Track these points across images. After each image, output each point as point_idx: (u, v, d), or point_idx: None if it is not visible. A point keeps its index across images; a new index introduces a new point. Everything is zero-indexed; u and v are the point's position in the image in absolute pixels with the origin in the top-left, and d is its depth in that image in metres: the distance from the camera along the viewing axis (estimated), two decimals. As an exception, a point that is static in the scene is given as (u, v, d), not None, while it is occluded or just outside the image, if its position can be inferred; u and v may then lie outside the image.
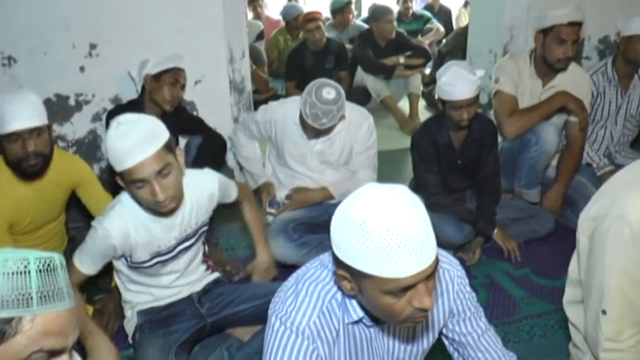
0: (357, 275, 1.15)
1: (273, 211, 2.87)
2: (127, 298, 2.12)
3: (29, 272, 0.87)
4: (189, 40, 3.09)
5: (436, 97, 2.77)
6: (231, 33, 3.19)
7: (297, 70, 5.07)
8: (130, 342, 2.13)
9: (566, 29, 2.88)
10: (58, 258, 0.93)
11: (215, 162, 2.78)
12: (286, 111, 2.81)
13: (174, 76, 2.80)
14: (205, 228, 2.15)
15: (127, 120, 1.71)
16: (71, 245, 2.70)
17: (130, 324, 2.12)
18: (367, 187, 1.16)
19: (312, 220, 2.81)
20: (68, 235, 2.76)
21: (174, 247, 2.03)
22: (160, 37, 3.04)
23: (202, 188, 2.05)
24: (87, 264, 1.95)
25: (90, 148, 3.14)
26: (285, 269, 2.47)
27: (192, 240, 2.09)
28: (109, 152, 1.71)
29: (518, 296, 2.62)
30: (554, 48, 2.93)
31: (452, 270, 1.43)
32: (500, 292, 2.67)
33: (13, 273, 0.86)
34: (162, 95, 2.79)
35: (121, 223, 1.89)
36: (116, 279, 2.15)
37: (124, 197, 1.93)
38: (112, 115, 2.81)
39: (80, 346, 1.74)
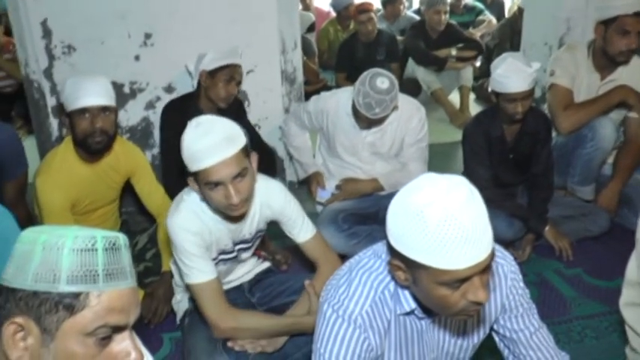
0: (412, 266, 1.15)
1: (322, 200, 2.88)
2: (180, 283, 2.15)
3: (96, 250, 0.90)
4: (242, 31, 3.12)
5: (489, 89, 2.72)
6: (284, 24, 3.21)
7: (348, 61, 5.07)
8: (178, 323, 2.17)
9: (631, 20, 2.79)
10: (122, 238, 0.95)
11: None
12: (339, 101, 2.81)
13: (230, 73, 2.77)
14: (263, 233, 2.14)
15: (206, 120, 1.70)
16: (123, 229, 2.78)
17: (180, 306, 2.15)
18: (425, 177, 1.15)
19: (362, 211, 2.82)
20: (121, 219, 2.84)
21: (234, 248, 2.03)
22: (214, 27, 3.07)
23: (269, 199, 2.00)
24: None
25: (143, 135, 3.21)
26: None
27: (250, 243, 2.09)
28: (185, 151, 1.70)
29: (569, 296, 2.56)
30: (617, 40, 2.84)
31: (506, 265, 1.41)
32: (551, 291, 2.61)
33: (82, 250, 0.89)
34: (216, 92, 2.77)
35: (193, 221, 1.86)
36: (170, 264, 2.18)
37: (188, 197, 1.89)
38: (168, 108, 2.87)
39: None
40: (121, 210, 2.82)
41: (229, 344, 1.88)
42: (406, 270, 1.18)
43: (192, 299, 2.09)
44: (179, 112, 2.75)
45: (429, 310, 1.31)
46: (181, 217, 1.85)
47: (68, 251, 0.88)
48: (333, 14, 6.31)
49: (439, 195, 1.09)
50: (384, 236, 2.71)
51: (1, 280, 0.87)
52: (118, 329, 0.93)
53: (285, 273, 2.31)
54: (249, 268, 2.22)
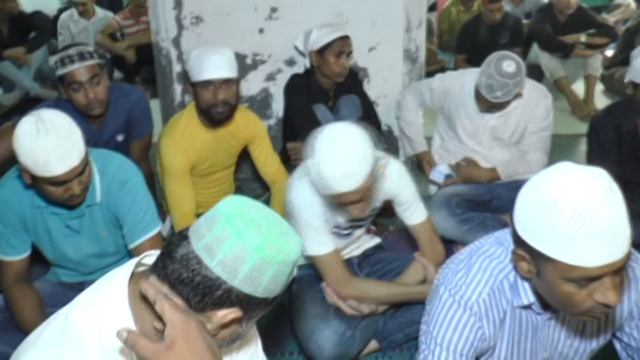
0: (537, 257, 1.10)
1: (438, 181, 2.84)
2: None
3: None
4: (368, 7, 3.09)
5: (626, 79, 2.54)
6: (410, 1, 3.14)
7: (469, 43, 4.92)
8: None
9: None
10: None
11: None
12: (464, 82, 2.74)
13: (338, 48, 2.78)
14: (377, 211, 2.15)
15: (341, 144, 1.67)
16: (237, 194, 2.87)
17: None
18: (562, 166, 1.09)
19: (476, 198, 2.75)
20: (235, 184, 2.93)
21: (348, 225, 2.05)
22: (340, 2, 3.06)
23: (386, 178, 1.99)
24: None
25: (261, 105, 3.28)
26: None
27: (365, 221, 2.11)
28: (318, 174, 1.70)
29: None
30: None
31: (637, 268, 1.32)
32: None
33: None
34: (329, 69, 2.81)
35: (315, 195, 1.88)
36: None
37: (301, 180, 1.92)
38: (290, 84, 2.94)
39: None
40: (235, 175, 2.92)
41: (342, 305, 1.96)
42: (530, 261, 1.14)
43: (301, 267, 2.14)
44: (304, 85, 2.81)
45: (547, 305, 1.25)
46: (305, 191, 1.89)
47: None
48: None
49: (576, 186, 1.03)
50: (497, 225, 2.66)
51: (232, 284, 0.94)
52: None
53: (393, 251, 2.31)
54: (359, 243, 2.24)
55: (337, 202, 1.77)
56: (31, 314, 1.94)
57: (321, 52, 2.79)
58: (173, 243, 0.97)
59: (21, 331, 1.94)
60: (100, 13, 5.53)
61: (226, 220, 0.94)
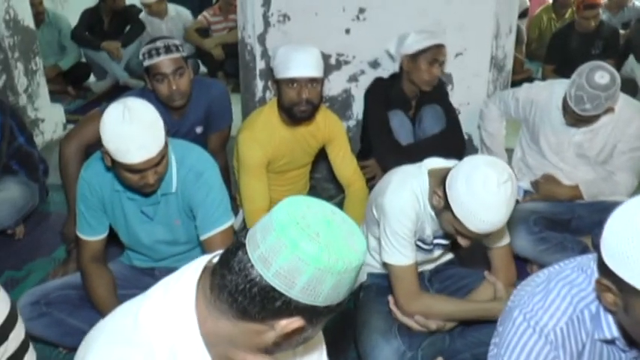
0: (626, 290, 1.01)
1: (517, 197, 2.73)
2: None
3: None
4: (457, 11, 3.00)
5: None
6: (501, 6, 3.02)
7: (559, 53, 4.72)
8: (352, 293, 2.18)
9: None
10: None
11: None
12: (552, 93, 2.61)
13: (433, 55, 2.70)
14: None
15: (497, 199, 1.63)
16: (310, 194, 2.88)
17: (359, 277, 2.16)
18: None
19: (555, 217, 2.62)
20: (309, 183, 2.93)
21: (432, 241, 2.00)
22: (429, 6, 2.99)
23: None
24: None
25: (342, 105, 3.26)
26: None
27: (449, 240, 2.03)
28: (468, 209, 1.65)
29: None
30: None
31: None
32: None
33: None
34: (419, 76, 2.73)
35: (413, 205, 1.86)
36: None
37: (415, 180, 1.87)
38: (371, 88, 2.90)
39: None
40: (311, 175, 2.91)
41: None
42: (617, 294, 1.05)
43: (372, 275, 2.10)
44: (384, 92, 2.76)
45: (634, 342, 1.16)
46: (404, 198, 1.85)
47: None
48: (550, 0, 5.90)
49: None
50: (576, 247, 2.53)
51: (290, 295, 0.92)
52: None
53: (464, 267, 2.23)
54: (434, 256, 2.17)
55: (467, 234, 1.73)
56: (105, 293, 2.01)
57: (414, 57, 2.72)
58: (230, 251, 0.96)
59: (94, 308, 2.02)
60: (173, 11, 5.53)
61: (281, 229, 0.90)
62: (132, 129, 1.67)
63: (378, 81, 2.90)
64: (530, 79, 4.61)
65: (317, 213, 0.94)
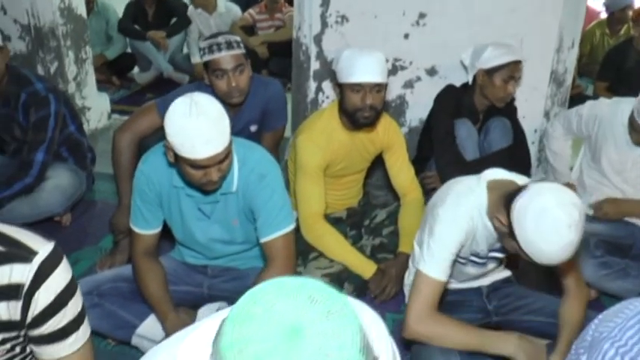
0: None
1: None
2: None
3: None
4: (520, 21, 2.93)
5: None
6: (567, 18, 2.94)
7: (614, 70, 4.58)
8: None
9: None
10: None
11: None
12: (617, 109, 2.53)
13: (509, 72, 2.62)
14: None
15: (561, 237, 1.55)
16: (364, 199, 2.84)
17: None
18: None
19: (615, 240, 2.53)
20: (364, 190, 2.87)
21: (487, 254, 1.95)
22: (492, 14, 2.93)
23: None
24: None
25: (395, 111, 3.21)
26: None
27: (503, 254, 1.98)
28: (532, 245, 1.59)
29: None
30: None
31: None
32: None
33: None
34: (493, 92, 2.66)
35: (468, 221, 1.80)
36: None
37: (472, 194, 1.81)
38: (442, 93, 2.83)
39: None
40: (365, 180, 2.86)
41: None
42: None
43: None
44: (455, 99, 2.70)
45: None
46: (459, 215, 1.79)
47: None
48: (604, 15, 5.75)
49: None
50: (639, 275, 2.42)
51: None
52: None
53: (523, 287, 2.16)
54: (490, 274, 2.11)
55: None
56: (155, 287, 2.01)
57: (490, 72, 2.64)
58: None
59: (145, 302, 2.00)
60: (222, 7, 5.50)
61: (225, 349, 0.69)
62: (199, 123, 1.64)
63: (450, 88, 2.83)
64: (580, 95, 4.51)
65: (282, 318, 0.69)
